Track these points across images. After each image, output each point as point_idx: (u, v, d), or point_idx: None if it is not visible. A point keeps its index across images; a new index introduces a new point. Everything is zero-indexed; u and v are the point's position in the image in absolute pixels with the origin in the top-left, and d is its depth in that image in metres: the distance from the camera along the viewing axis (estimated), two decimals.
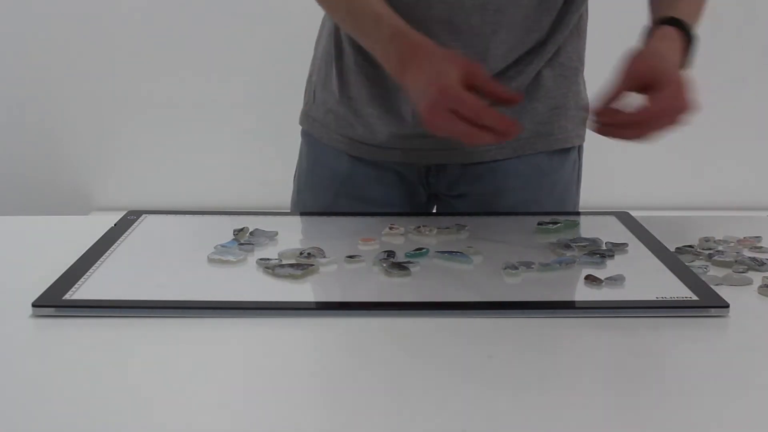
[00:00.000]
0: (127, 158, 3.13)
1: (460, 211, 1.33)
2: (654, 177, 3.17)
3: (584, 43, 1.37)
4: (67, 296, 0.95)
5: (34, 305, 0.93)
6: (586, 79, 1.42)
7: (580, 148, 1.40)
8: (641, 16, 1.32)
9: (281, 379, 0.80)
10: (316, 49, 1.42)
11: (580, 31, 1.35)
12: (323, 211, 1.34)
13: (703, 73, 3.49)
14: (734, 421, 0.73)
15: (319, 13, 1.34)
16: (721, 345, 0.89)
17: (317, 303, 0.98)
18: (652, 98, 1.09)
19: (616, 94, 1.13)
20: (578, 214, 1.25)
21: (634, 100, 1.13)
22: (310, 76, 1.42)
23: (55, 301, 0.94)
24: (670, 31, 1.19)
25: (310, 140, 1.40)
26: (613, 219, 1.25)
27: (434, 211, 1.40)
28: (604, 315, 0.93)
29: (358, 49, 1.31)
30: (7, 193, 3.07)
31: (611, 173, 3.17)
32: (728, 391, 0.78)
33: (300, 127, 1.43)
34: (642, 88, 1.11)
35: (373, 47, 1.19)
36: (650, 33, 1.20)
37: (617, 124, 1.11)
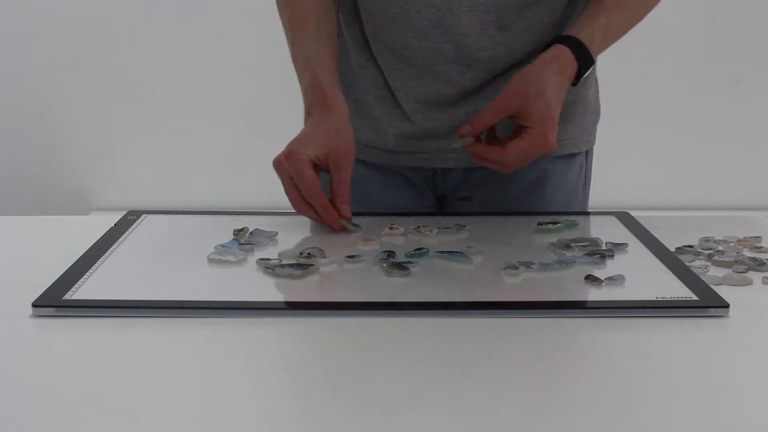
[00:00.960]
0: (127, 158, 3.13)
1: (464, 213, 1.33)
2: (654, 177, 3.17)
3: None
4: (67, 296, 0.95)
5: (34, 305, 0.93)
6: (600, 79, 1.42)
7: (588, 152, 1.40)
8: (655, 17, 1.31)
9: (281, 379, 0.80)
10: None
11: None
12: None
13: (703, 73, 3.51)
14: (734, 421, 0.73)
15: None
16: (721, 345, 0.89)
17: (317, 303, 0.98)
18: (513, 144, 1.14)
19: (483, 124, 1.16)
20: (578, 214, 1.25)
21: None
22: None
23: (55, 301, 0.94)
24: (565, 56, 1.18)
25: None
26: (613, 219, 1.25)
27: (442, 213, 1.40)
28: (604, 315, 0.93)
29: (363, 50, 1.31)
30: (7, 193, 3.07)
31: (611, 173, 3.16)
32: (728, 391, 0.78)
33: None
34: (511, 117, 1.16)
35: (299, 77, 1.25)
36: (548, 50, 1.19)
37: (478, 154, 1.17)
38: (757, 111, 3.15)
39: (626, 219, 1.25)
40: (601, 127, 1.48)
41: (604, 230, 1.18)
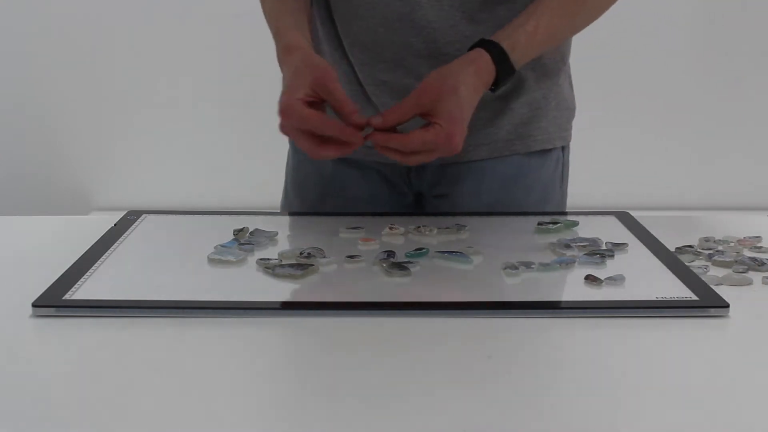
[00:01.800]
0: (127, 158, 3.13)
1: (443, 210, 1.33)
2: (654, 177, 3.17)
3: (569, 42, 1.36)
4: (67, 296, 0.95)
5: (34, 305, 0.93)
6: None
7: (564, 148, 1.39)
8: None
9: (281, 379, 0.80)
10: None
11: None
12: (310, 211, 1.34)
13: (703, 73, 3.51)
14: (734, 420, 0.73)
15: None
16: (721, 345, 0.89)
17: (317, 303, 0.98)
18: (417, 132, 1.10)
19: (396, 117, 1.13)
20: (578, 214, 1.25)
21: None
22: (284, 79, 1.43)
23: (55, 301, 0.94)
24: (484, 60, 1.16)
25: (294, 145, 1.41)
26: (613, 219, 1.25)
27: (421, 211, 1.40)
28: (604, 315, 0.93)
29: (336, 47, 1.31)
30: (7, 193, 3.07)
31: (611, 173, 3.17)
32: (728, 391, 0.78)
33: None
34: (424, 114, 1.12)
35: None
36: (470, 51, 1.18)
37: (387, 146, 1.13)
38: (757, 111, 3.16)
39: (626, 219, 1.25)
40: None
41: (604, 230, 1.18)
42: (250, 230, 1.16)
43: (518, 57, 1.18)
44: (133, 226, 1.21)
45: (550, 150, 1.35)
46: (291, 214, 1.34)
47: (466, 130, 1.12)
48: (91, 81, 3.05)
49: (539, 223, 1.20)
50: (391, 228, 1.17)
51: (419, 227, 1.17)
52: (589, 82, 3.22)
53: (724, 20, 3.09)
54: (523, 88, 1.30)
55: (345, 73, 1.31)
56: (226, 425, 0.72)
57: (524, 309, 0.94)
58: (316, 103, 1.12)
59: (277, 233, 1.16)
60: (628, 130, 3.13)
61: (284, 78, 1.18)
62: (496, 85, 1.18)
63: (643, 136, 3.14)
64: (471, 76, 1.14)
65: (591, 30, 1.38)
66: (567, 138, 1.38)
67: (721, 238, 1.17)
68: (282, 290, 0.99)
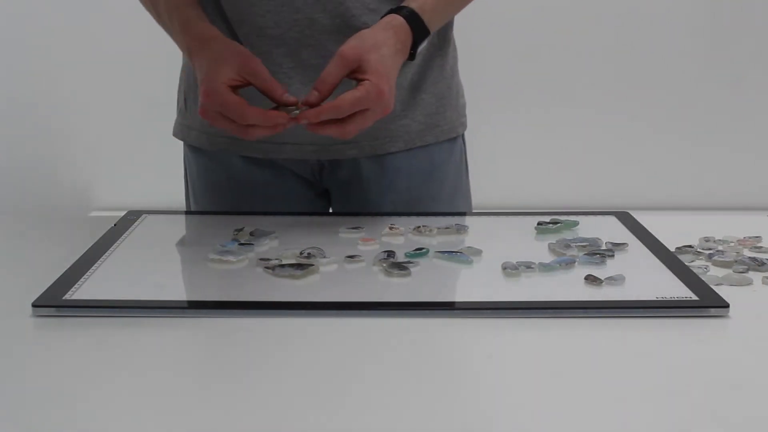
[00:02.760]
0: (127, 158, 3.13)
1: (355, 207, 1.33)
2: (654, 177, 3.17)
3: (450, 25, 1.38)
4: (67, 296, 0.95)
5: (34, 305, 0.93)
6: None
7: (463, 136, 1.42)
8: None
9: (281, 379, 0.80)
10: (183, 57, 1.40)
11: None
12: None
13: (703, 73, 3.51)
14: (734, 420, 0.73)
15: None
16: (721, 345, 0.89)
17: (317, 303, 0.98)
18: (345, 94, 1.10)
19: (328, 82, 1.12)
20: (578, 213, 1.25)
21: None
22: (180, 83, 1.42)
23: (55, 301, 0.94)
24: (397, 21, 1.18)
25: (194, 151, 1.38)
26: (613, 219, 1.25)
27: (330, 209, 1.40)
28: (604, 315, 0.93)
29: (230, 38, 1.29)
30: (7, 192, 3.07)
31: (611, 173, 3.17)
32: (728, 391, 0.78)
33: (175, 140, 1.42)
34: (351, 75, 1.13)
35: (170, 32, 1.27)
36: (381, 18, 1.20)
37: (320, 119, 1.11)
38: (758, 111, 3.15)
39: (626, 219, 1.25)
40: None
41: (604, 230, 1.18)
42: (250, 230, 1.16)
43: (428, 18, 1.20)
44: (133, 226, 1.21)
45: (455, 138, 1.39)
46: (291, 214, 1.34)
47: (395, 90, 1.14)
48: (91, 81, 3.04)
49: (539, 223, 1.20)
50: (391, 228, 1.17)
51: (419, 227, 1.17)
52: (589, 82, 3.23)
53: (725, 20, 3.09)
54: (433, 78, 1.32)
55: None
56: (226, 425, 0.72)
57: (524, 309, 0.94)
58: (238, 87, 1.13)
59: (277, 233, 1.16)
60: (629, 130, 3.13)
61: (202, 66, 1.16)
62: (413, 48, 1.19)
63: (643, 136, 3.14)
64: (390, 38, 1.16)
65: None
66: (465, 124, 1.42)
67: (721, 238, 1.17)
68: (282, 290, 0.99)
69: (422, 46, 1.21)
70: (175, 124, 1.42)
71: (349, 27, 1.25)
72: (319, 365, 0.83)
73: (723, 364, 0.83)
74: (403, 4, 1.21)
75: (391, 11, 1.20)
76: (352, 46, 1.13)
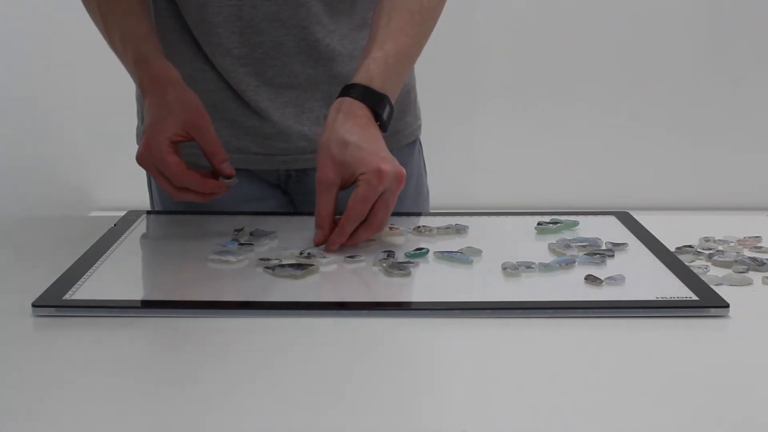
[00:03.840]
0: (127, 158, 3.13)
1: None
2: (654, 177, 3.17)
3: None
4: (67, 296, 0.95)
5: (34, 305, 0.93)
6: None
7: (419, 138, 1.45)
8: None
9: (281, 379, 0.80)
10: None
11: None
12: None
13: (703, 73, 3.51)
14: (734, 421, 0.73)
15: None
16: (721, 345, 0.89)
17: (317, 303, 0.98)
18: (350, 200, 1.07)
19: (324, 215, 1.10)
20: (578, 213, 1.25)
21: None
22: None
23: (55, 301, 0.94)
24: (354, 107, 1.12)
25: None
26: (613, 219, 1.25)
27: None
28: (604, 315, 0.93)
29: (197, 55, 1.29)
30: (7, 192, 3.07)
31: (611, 173, 3.17)
32: (728, 391, 0.78)
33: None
34: (343, 188, 1.10)
35: (123, 61, 1.23)
36: (333, 106, 1.13)
37: (339, 241, 1.09)
38: (757, 111, 3.16)
39: (626, 219, 1.25)
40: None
41: (604, 230, 1.18)
42: (250, 230, 1.16)
43: (380, 84, 1.14)
44: (133, 226, 1.21)
45: (413, 142, 1.41)
46: (291, 214, 1.34)
47: (388, 155, 1.08)
48: (91, 80, 3.04)
49: (539, 223, 1.20)
50: (391, 228, 1.17)
51: (419, 227, 1.17)
52: (589, 82, 3.23)
53: (725, 20, 3.09)
54: None
55: (214, 80, 1.29)
56: (226, 425, 0.72)
57: (524, 309, 0.94)
58: (177, 144, 1.12)
59: (277, 233, 1.16)
60: (629, 130, 3.13)
61: (149, 111, 1.15)
62: (378, 118, 1.13)
63: (643, 136, 3.14)
64: (344, 123, 1.10)
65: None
66: (421, 126, 1.44)
67: (721, 238, 1.17)
68: (282, 290, 0.99)
69: (386, 113, 1.14)
70: (138, 133, 1.41)
71: (313, 50, 1.26)
72: (318, 365, 0.83)
73: (723, 364, 0.83)
74: (353, 79, 1.15)
75: (342, 92, 1.14)
76: (322, 164, 1.09)
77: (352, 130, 1.09)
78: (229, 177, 1.13)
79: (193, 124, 1.12)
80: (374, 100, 1.13)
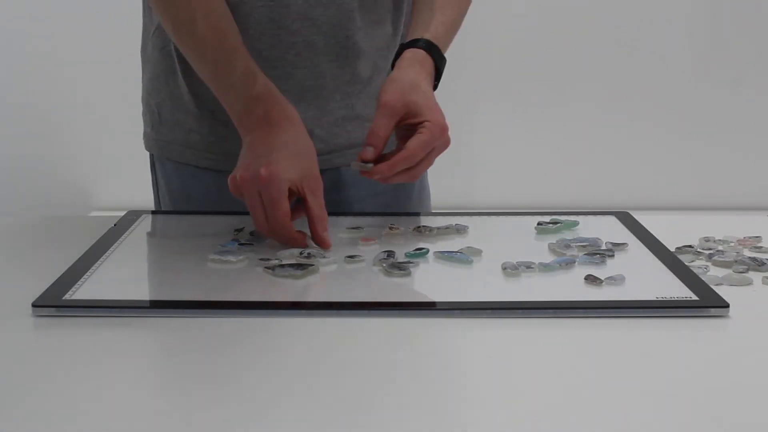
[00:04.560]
0: (127, 158, 3.13)
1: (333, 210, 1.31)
2: (654, 177, 3.17)
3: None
4: (67, 296, 0.95)
5: (34, 305, 0.93)
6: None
7: None
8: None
9: (281, 379, 0.80)
10: (144, 68, 1.38)
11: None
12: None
13: (703, 73, 3.51)
14: (734, 421, 0.73)
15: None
16: (721, 345, 0.89)
17: (317, 303, 0.98)
18: (412, 140, 1.11)
19: (381, 136, 1.12)
20: (578, 213, 1.25)
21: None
22: (148, 96, 1.37)
23: (55, 301, 0.94)
24: (420, 55, 1.18)
25: (173, 164, 1.33)
26: (613, 219, 1.25)
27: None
28: (604, 315, 0.93)
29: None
30: (7, 192, 3.07)
31: (611, 173, 3.17)
32: (728, 391, 0.78)
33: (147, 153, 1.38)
34: (400, 122, 1.13)
35: (228, 94, 1.16)
36: (401, 56, 1.19)
37: (385, 173, 1.11)
38: (757, 111, 3.16)
39: (626, 219, 1.25)
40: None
41: (604, 230, 1.18)
42: (250, 230, 1.16)
43: (443, 45, 1.21)
44: (133, 226, 1.21)
45: None
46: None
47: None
48: (91, 81, 3.04)
49: (539, 223, 1.20)
50: (391, 228, 1.17)
51: (419, 227, 1.17)
52: (590, 82, 3.23)
53: (725, 20, 3.09)
54: None
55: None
56: (226, 424, 0.72)
57: (524, 309, 0.94)
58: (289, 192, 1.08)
59: None
60: (629, 130, 3.13)
61: (274, 141, 1.09)
62: (437, 77, 1.20)
63: (643, 136, 3.14)
64: (420, 72, 1.16)
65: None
66: None
67: (721, 238, 1.17)
68: (282, 290, 0.99)
69: (441, 76, 1.21)
70: (147, 138, 1.39)
71: (343, 48, 1.26)
72: (318, 365, 0.83)
73: (723, 364, 0.83)
74: (415, 34, 1.21)
75: (405, 46, 1.20)
76: (392, 92, 1.13)
77: (424, 77, 1.15)
78: (326, 248, 1.09)
79: (310, 181, 1.09)
80: (440, 59, 1.20)
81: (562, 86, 3.12)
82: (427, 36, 1.20)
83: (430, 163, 1.15)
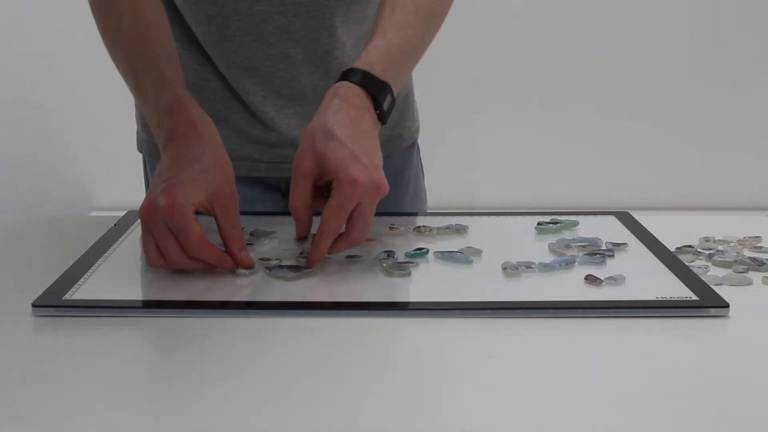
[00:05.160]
0: (127, 158, 3.13)
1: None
2: (654, 177, 3.17)
3: None
4: (67, 296, 0.95)
5: (34, 305, 0.93)
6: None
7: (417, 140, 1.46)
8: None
9: (281, 379, 0.80)
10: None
11: None
12: None
13: (703, 73, 3.52)
14: (734, 421, 0.73)
15: None
16: (721, 345, 0.89)
17: (317, 303, 0.98)
18: (324, 210, 1.00)
19: (300, 207, 1.03)
20: (578, 213, 1.25)
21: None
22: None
23: (55, 301, 0.94)
24: (338, 88, 1.05)
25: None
26: (613, 219, 1.25)
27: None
28: (604, 315, 0.93)
29: (203, 64, 1.28)
30: (7, 192, 3.07)
31: (611, 173, 3.17)
32: (728, 391, 0.78)
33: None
34: (318, 180, 1.02)
35: (144, 107, 1.12)
36: (329, 89, 1.07)
37: (319, 258, 1.02)
38: (757, 111, 3.16)
39: (626, 219, 1.25)
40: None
41: (604, 230, 1.18)
42: (250, 230, 1.16)
43: (380, 71, 1.07)
44: (133, 226, 1.21)
45: (411, 144, 1.42)
46: (290, 214, 1.34)
47: (371, 160, 1.01)
48: (91, 81, 3.04)
49: (539, 223, 1.20)
50: (391, 228, 1.17)
51: (419, 227, 1.17)
52: (589, 82, 3.23)
53: (725, 20, 3.09)
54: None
55: (218, 90, 1.29)
56: (226, 424, 0.72)
57: (524, 309, 0.94)
58: (199, 214, 0.99)
59: (276, 233, 1.16)
60: (628, 130, 3.13)
61: (178, 158, 1.01)
62: (378, 107, 1.06)
63: (643, 136, 3.15)
64: (337, 112, 1.03)
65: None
66: (419, 129, 1.45)
67: (721, 238, 1.17)
68: (282, 290, 0.99)
69: (387, 102, 1.07)
70: (139, 139, 1.40)
71: (323, 61, 1.26)
72: (318, 365, 0.83)
73: (723, 364, 0.83)
74: (354, 62, 1.09)
75: (341, 77, 1.08)
76: (302, 151, 1.01)
77: (342, 122, 1.02)
78: (248, 267, 1.01)
79: (221, 199, 1.00)
80: (375, 87, 1.06)
81: (562, 86, 3.12)
82: (360, 64, 1.07)
83: (368, 217, 1.01)
